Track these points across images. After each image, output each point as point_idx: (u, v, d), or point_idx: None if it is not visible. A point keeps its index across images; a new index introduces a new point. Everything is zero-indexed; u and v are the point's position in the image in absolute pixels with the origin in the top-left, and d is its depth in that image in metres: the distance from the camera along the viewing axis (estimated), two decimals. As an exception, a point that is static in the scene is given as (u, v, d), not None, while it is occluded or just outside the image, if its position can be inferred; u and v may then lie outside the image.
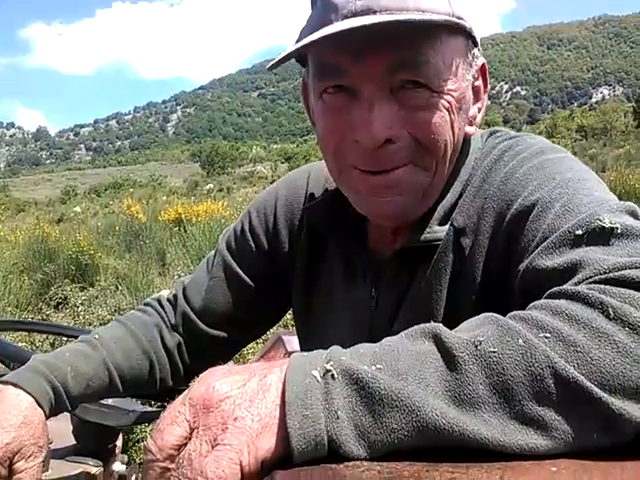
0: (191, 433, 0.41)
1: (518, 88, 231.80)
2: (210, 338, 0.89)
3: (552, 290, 0.47)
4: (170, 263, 8.05)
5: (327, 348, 0.44)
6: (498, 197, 0.66)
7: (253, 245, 0.88)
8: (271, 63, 0.66)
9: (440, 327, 0.43)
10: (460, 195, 0.70)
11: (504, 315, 0.45)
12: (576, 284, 0.46)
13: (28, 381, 0.71)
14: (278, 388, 0.41)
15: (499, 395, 0.39)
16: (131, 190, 29.05)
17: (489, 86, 0.74)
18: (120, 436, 0.99)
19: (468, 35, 0.66)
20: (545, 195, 0.60)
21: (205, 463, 0.38)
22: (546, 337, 0.41)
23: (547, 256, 0.53)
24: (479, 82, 0.72)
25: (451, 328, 0.44)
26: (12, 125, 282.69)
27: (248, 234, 0.89)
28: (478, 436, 0.38)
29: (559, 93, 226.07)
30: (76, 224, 11.85)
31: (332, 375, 0.40)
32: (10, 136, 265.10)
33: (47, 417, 0.72)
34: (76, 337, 0.92)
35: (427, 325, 0.44)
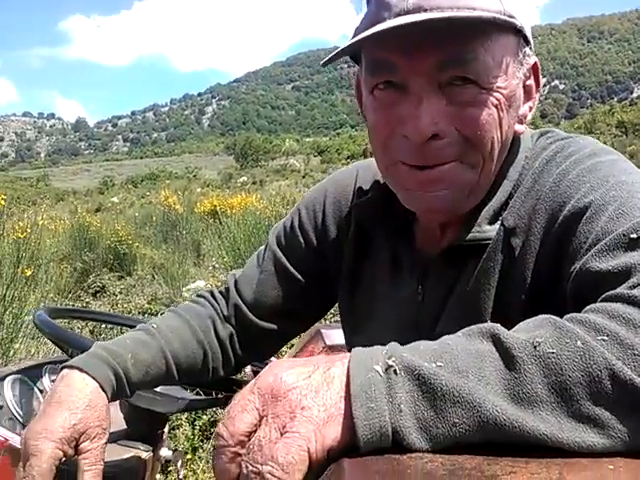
0: (260, 420, 0.42)
1: (556, 82, 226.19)
2: (260, 330, 0.92)
3: (608, 294, 0.48)
4: (205, 254, 8.18)
5: (371, 343, 0.46)
6: (550, 198, 0.66)
7: (302, 241, 0.91)
8: (326, 59, 0.68)
9: (498, 327, 0.44)
10: (510, 195, 0.71)
11: (559, 316, 0.46)
12: (631, 288, 0.47)
13: (93, 366, 0.74)
14: (342, 381, 0.43)
15: (557, 394, 0.40)
16: (167, 181, 29.47)
17: (541, 85, 0.74)
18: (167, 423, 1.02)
19: (519, 33, 0.66)
20: (598, 197, 0.60)
21: (275, 449, 0.40)
22: (604, 340, 0.42)
23: (601, 259, 0.53)
24: (531, 81, 0.72)
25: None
26: (52, 116, 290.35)
27: (297, 230, 0.91)
28: (537, 432, 0.40)
29: (599, 87, 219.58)
30: (114, 214, 12.09)
31: (394, 370, 0.42)
32: (50, 126, 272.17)
33: (109, 401, 0.75)
34: (131, 327, 0.95)
35: (485, 325, 0.45)
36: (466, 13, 0.60)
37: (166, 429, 1.02)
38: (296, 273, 0.91)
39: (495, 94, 0.64)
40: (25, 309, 3.55)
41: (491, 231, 0.69)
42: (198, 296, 0.98)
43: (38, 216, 4.88)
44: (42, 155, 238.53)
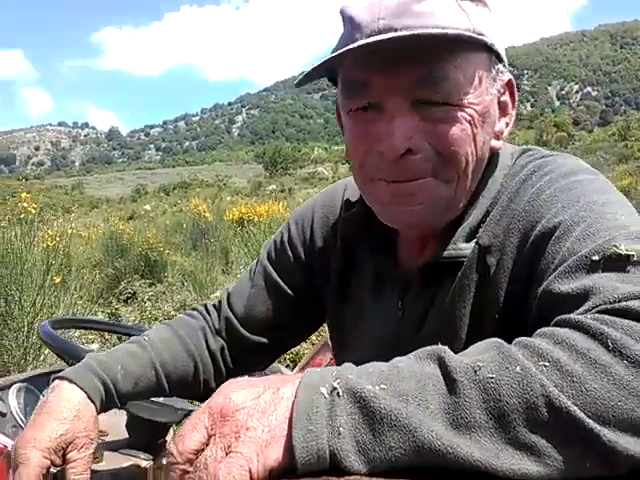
0: (209, 439, 0.44)
1: (589, 89, 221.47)
2: (251, 343, 0.93)
3: (559, 317, 0.48)
4: (233, 262, 8.27)
5: (358, 359, 0.47)
6: (524, 217, 0.66)
7: (291, 255, 0.92)
8: (299, 78, 0.70)
9: (445, 350, 0.45)
10: (487, 213, 0.71)
11: (528, 336, 0.46)
12: (584, 312, 0.47)
13: (82, 378, 0.76)
14: (289, 402, 0.43)
15: (495, 420, 0.40)
16: (198, 190, 29.87)
17: (517, 101, 0.75)
18: (171, 432, 1.04)
19: (491, 51, 0.68)
20: (568, 218, 0.60)
21: (218, 468, 0.41)
22: (545, 366, 0.41)
23: (562, 280, 0.53)
24: (506, 97, 0.72)
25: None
26: (86, 125, 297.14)
27: (287, 245, 0.92)
28: (471, 458, 0.39)
29: (633, 94, 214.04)
30: (146, 222, 12.33)
31: (338, 393, 0.42)
32: (84, 135, 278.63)
33: (98, 412, 0.76)
34: (133, 335, 0.97)
35: (434, 347, 0.45)
36: (433, 31, 0.62)
37: (169, 438, 1.02)
38: (285, 287, 0.91)
39: (467, 110, 0.65)
40: (55, 315, 3.64)
41: (467, 249, 0.70)
42: (192, 309, 0.99)
43: (67, 224, 5.00)
44: (77, 164, 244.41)
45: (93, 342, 4.66)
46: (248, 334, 0.92)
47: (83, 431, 0.72)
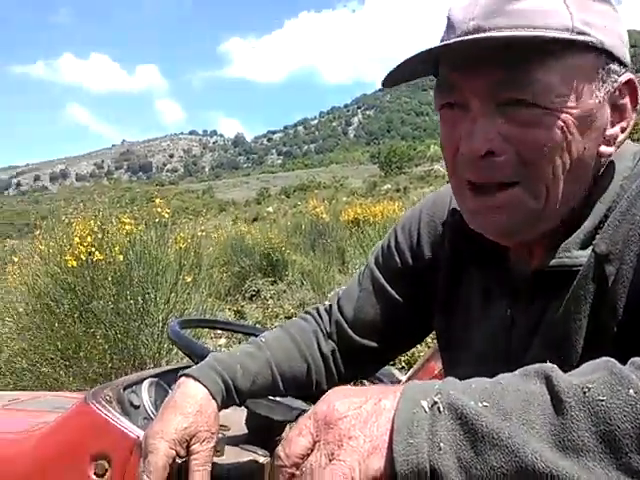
0: (314, 445, 0.45)
1: None
2: (360, 347, 0.94)
3: None
4: (349, 261, 8.40)
5: (464, 370, 0.47)
6: None
7: (398, 260, 0.91)
8: (385, 80, 0.69)
9: (553, 369, 0.43)
10: (604, 218, 0.66)
11: None
12: None
13: (205, 375, 0.80)
14: (390, 413, 0.43)
15: (605, 445, 0.38)
16: (316, 191, 30.59)
17: (639, 103, 0.68)
18: (287, 429, 1.06)
19: (600, 50, 0.63)
20: None
21: (323, 475, 0.43)
22: None
23: None
24: (624, 100, 0.67)
25: (592, 359, 0.44)
26: (215, 133, 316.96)
27: (394, 250, 0.92)
28: None
29: None
30: (268, 223, 12.88)
31: (439, 408, 0.42)
32: (213, 143, 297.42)
33: (219, 408, 0.80)
34: (254, 335, 1.02)
35: (542, 365, 0.44)
36: (523, 33, 0.59)
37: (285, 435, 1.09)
38: (392, 292, 0.91)
39: (561, 115, 0.61)
40: (186, 311, 3.94)
41: (582, 257, 0.66)
42: (306, 312, 1.02)
43: (197, 228, 5.35)
44: (206, 169, 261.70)
45: (221, 337, 5.00)
46: (357, 337, 0.93)
47: (205, 425, 0.76)
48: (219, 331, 4.49)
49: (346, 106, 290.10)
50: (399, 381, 1.68)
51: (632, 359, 0.43)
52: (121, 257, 3.74)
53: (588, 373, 0.42)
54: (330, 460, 0.43)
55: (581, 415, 0.39)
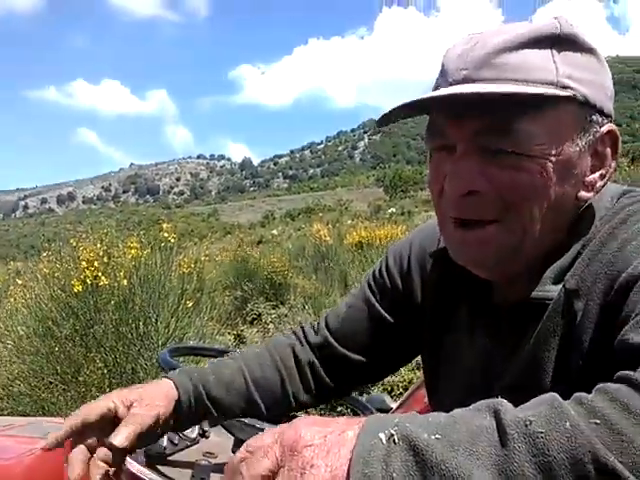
0: (278, 470, 0.46)
1: None
2: (344, 358, 0.96)
3: (620, 373, 0.48)
4: (351, 285, 8.38)
5: (451, 399, 0.49)
6: (612, 263, 0.65)
7: (389, 283, 0.95)
8: (380, 117, 0.73)
9: (503, 403, 0.46)
10: (578, 256, 0.69)
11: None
12: None
13: (174, 374, 0.87)
14: (352, 444, 0.45)
15: (543, 475, 0.40)
16: (320, 214, 30.69)
17: (619, 152, 0.72)
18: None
19: (583, 102, 0.66)
20: None
21: None
22: (596, 423, 0.42)
23: (637, 331, 0.53)
24: (605, 148, 0.70)
25: (561, 392, 0.46)
26: (222, 157, 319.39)
27: (385, 274, 0.96)
28: None
29: None
30: (271, 246, 12.90)
31: (394, 439, 0.44)
32: (220, 167, 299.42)
33: (180, 400, 0.84)
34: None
35: (493, 400, 0.47)
36: (506, 89, 0.63)
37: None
38: (382, 310, 0.94)
39: (540, 161, 0.65)
40: (186, 336, 3.94)
41: (554, 291, 0.69)
42: (291, 330, 1.08)
43: (200, 253, 5.35)
44: (213, 193, 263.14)
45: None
46: (341, 348, 0.96)
47: (153, 395, 0.80)
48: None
49: (352, 130, 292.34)
50: (390, 408, 1.69)
51: (575, 394, 0.46)
52: (125, 282, 3.75)
53: (533, 407, 0.45)
54: None
55: (522, 447, 0.41)
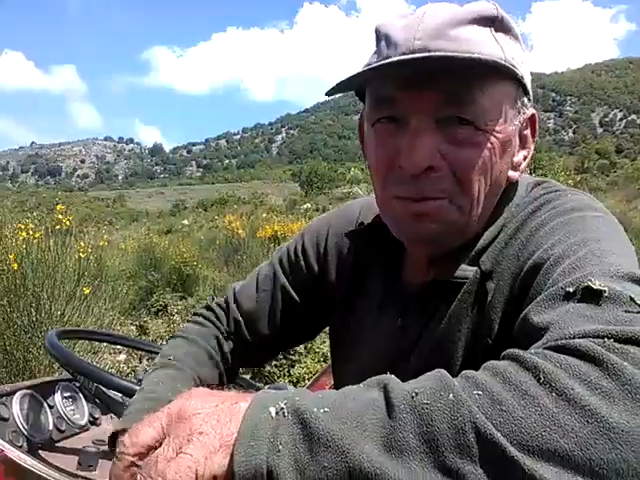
0: (164, 439, 0.45)
1: (633, 116, 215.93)
2: (255, 344, 0.96)
3: (508, 351, 0.48)
4: (263, 278, 8.33)
5: (357, 370, 0.47)
6: (524, 247, 0.68)
7: (304, 264, 0.95)
8: (330, 88, 0.71)
9: (392, 378, 0.46)
10: (493, 240, 0.72)
11: None
12: (540, 346, 0.48)
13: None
14: (243, 416, 0.44)
15: (426, 445, 0.41)
16: (235, 206, 30.34)
17: (537, 137, 0.76)
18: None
19: (519, 82, 0.69)
20: (559, 251, 0.61)
21: (167, 467, 0.43)
22: (478, 394, 0.43)
23: (536, 310, 0.54)
24: (527, 131, 0.74)
25: (470, 367, 0.47)
26: (131, 140, 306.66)
27: (300, 255, 0.95)
28: None
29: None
30: (181, 236, 12.56)
31: (284, 413, 0.44)
32: (129, 150, 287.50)
33: None
34: (136, 348, 1.01)
35: (383, 376, 0.47)
36: (474, 55, 0.63)
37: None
38: (293, 293, 0.95)
39: (490, 137, 0.67)
40: (83, 325, 3.72)
41: (469, 271, 0.71)
42: (196, 314, 1.01)
43: (99, 237, 5.11)
44: (120, 177, 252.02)
45: (120, 353, 4.75)
46: (254, 337, 0.96)
47: None
48: (119, 347, 4.27)
49: (270, 124, 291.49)
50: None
51: (463, 371, 0.47)
52: (16, 266, 3.50)
53: (421, 381, 0.46)
54: (177, 454, 0.43)
55: (408, 418, 0.42)
